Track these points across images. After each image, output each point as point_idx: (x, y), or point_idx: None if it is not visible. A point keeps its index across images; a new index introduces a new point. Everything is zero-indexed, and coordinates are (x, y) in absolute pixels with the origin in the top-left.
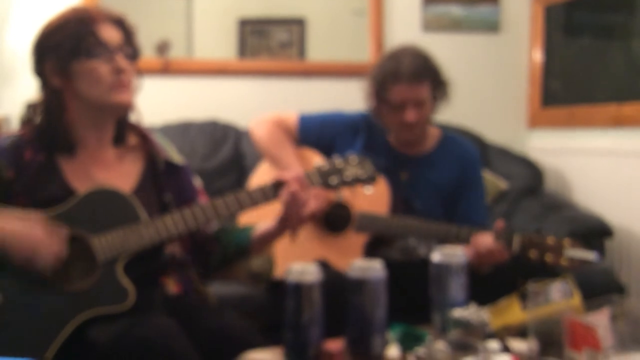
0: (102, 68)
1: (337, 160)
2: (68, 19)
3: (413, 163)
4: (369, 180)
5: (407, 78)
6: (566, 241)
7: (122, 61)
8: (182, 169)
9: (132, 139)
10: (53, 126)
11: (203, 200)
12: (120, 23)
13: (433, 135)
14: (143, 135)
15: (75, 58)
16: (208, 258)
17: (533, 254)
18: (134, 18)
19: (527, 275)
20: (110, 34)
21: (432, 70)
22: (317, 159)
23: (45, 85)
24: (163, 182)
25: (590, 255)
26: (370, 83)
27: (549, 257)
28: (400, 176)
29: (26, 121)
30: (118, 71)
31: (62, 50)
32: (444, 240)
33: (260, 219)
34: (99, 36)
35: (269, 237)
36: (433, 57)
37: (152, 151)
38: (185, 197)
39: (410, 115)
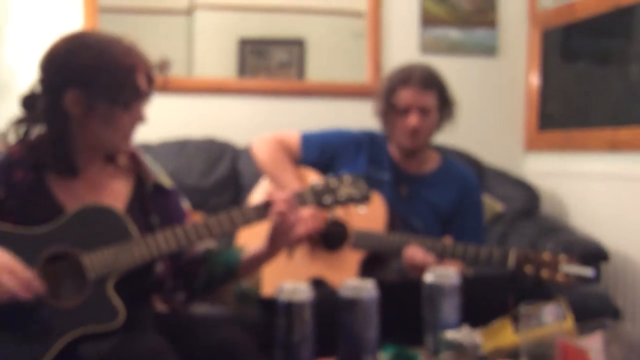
0: (127, 119)
1: (331, 180)
2: (118, 59)
3: (413, 180)
4: (363, 199)
5: (417, 83)
6: (562, 257)
7: (143, 112)
8: (170, 192)
9: (122, 159)
10: (56, 148)
11: (191, 222)
12: (149, 71)
13: (434, 159)
14: (133, 156)
15: (111, 104)
16: (194, 281)
17: (529, 269)
18: (135, 36)
19: (520, 297)
20: (143, 83)
21: (441, 84)
22: (317, 179)
23: (56, 105)
24: (150, 204)
25: (586, 272)
26: (381, 88)
27: (544, 273)
28: (400, 191)
29: (18, 140)
30: (136, 122)
31: (102, 91)
32: (440, 257)
33: (258, 237)
34: (139, 89)
35: (259, 260)
36: (443, 78)
37: (140, 173)
38: (172, 221)
39: (413, 119)
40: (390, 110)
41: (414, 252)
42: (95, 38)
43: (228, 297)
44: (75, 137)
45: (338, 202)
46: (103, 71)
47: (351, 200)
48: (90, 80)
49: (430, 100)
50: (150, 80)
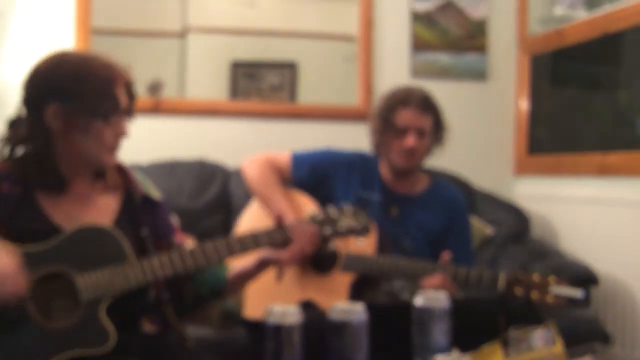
0: (108, 132)
1: (332, 210)
2: (96, 72)
3: (403, 201)
4: (362, 231)
5: (416, 104)
6: (552, 278)
7: (125, 126)
8: (159, 204)
9: (112, 174)
10: (43, 164)
11: (179, 238)
12: (129, 86)
13: (423, 180)
14: (121, 171)
15: (91, 117)
16: (182, 298)
17: (519, 291)
18: (128, 58)
19: (510, 321)
20: (123, 98)
21: (437, 109)
22: (306, 202)
23: (38, 121)
24: (140, 216)
25: (576, 292)
26: (378, 107)
27: (534, 295)
28: (391, 212)
29: (4, 157)
30: (119, 136)
31: (81, 103)
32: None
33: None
34: (118, 101)
35: (246, 278)
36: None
37: (129, 186)
38: (161, 233)
39: (411, 140)
40: (386, 129)
41: (434, 280)
42: (73, 54)
43: (213, 317)
44: (60, 152)
45: (338, 233)
46: (80, 84)
47: (351, 232)
48: (68, 93)
49: (427, 122)
50: (131, 96)
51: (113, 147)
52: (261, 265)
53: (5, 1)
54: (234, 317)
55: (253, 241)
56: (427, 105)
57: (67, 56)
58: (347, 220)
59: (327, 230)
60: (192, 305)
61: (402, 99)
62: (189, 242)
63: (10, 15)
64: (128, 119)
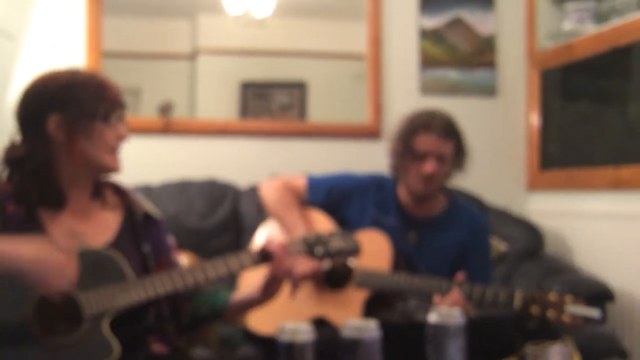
0: (109, 133)
1: (321, 233)
2: (88, 80)
3: (421, 225)
4: (352, 252)
5: (438, 130)
6: (568, 298)
7: (125, 129)
8: (159, 222)
9: (110, 195)
10: (42, 180)
11: (176, 256)
12: (121, 96)
13: (441, 201)
14: (120, 191)
15: (91, 119)
16: (179, 316)
17: (535, 310)
18: (139, 79)
19: (526, 337)
20: (117, 99)
21: (459, 135)
22: (324, 220)
23: (39, 137)
24: (141, 233)
25: (593, 312)
26: (398, 130)
27: (551, 314)
28: (408, 237)
29: (7, 178)
30: (120, 138)
31: (81, 108)
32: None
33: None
34: (114, 104)
35: (249, 304)
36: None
37: (130, 204)
38: (162, 250)
39: (430, 166)
40: (406, 153)
41: (446, 300)
42: (60, 71)
43: (211, 341)
44: (60, 166)
45: (329, 254)
46: (76, 91)
47: (342, 252)
48: (67, 102)
49: (448, 149)
50: (122, 104)
51: (115, 149)
52: (265, 292)
53: (17, 25)
54: (231, 344)
55: (251, 259)
56: (448, 131)
57: (55, 72)
58: (337, 241)
59: (319, 251)
60: (189, 324)
61: (424, 123)
62: (183, 259)
63: (22, 39)
64: (124, 125)
